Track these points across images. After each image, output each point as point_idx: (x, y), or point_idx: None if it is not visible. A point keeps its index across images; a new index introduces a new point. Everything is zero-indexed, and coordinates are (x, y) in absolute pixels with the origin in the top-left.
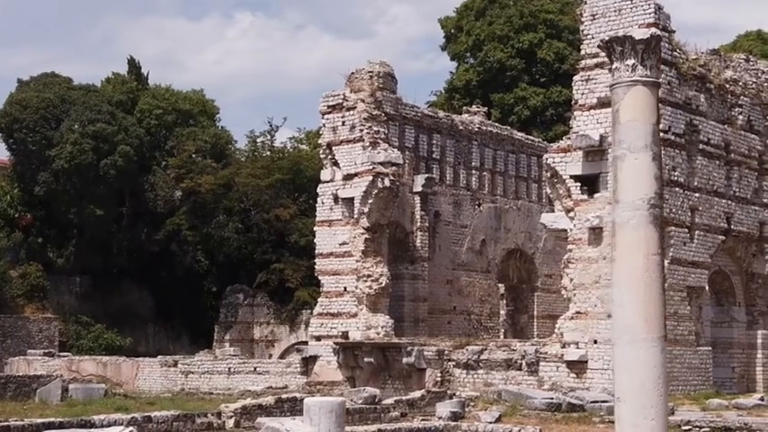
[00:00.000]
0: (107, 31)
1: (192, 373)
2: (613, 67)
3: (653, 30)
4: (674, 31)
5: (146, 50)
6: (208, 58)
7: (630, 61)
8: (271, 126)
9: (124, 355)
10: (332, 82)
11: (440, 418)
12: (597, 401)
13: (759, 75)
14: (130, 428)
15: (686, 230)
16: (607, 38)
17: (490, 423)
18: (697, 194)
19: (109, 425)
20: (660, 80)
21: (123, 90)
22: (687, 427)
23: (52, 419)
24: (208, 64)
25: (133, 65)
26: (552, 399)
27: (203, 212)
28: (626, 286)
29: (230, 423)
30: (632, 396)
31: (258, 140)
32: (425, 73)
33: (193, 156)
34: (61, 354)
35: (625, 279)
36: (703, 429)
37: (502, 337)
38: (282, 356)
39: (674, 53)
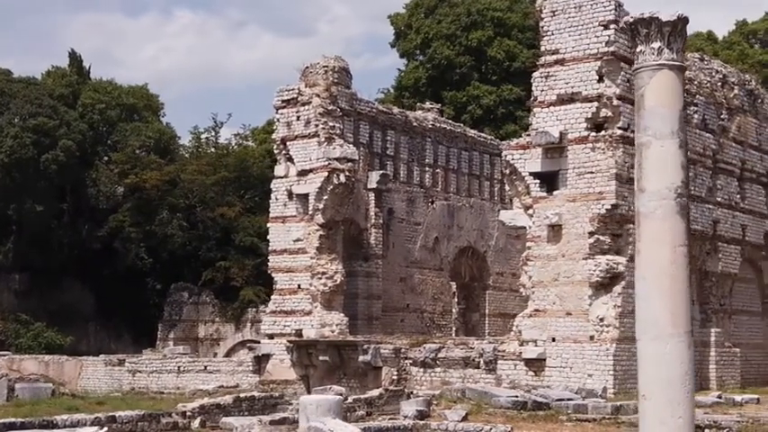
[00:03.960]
0: (45, 25)
1: (140, 371)
2: (638, 50)
3: (679, 11)
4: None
5: (84, 45)
6: (147, 54)
7: (656, 44)
8: (215, 122)
9: (65, 354)
10: (274, 79)
11: (405, 416)
12: (563, 399)
13: (713, 74)
14: (105, 429)
15: None
16: (632, 19)
17: (459, 422)
18: None
19: (72, 425)
20: (686, 64)
21: (64, 84)
22: None
23: (12, 420)
24: (147, 60)
25: (74, 58)
26: (517, 397)
27: (147, 209)
28: (651, 279)
29: (196, 423)
30: (658, 393)
31: (202, 137)
32: (366, 72)
33: (138, 151)
34: (1, 353)
35: (650, 272)
36: None
37: (454, 335)
38: (228, 355)
39: (633, 50)
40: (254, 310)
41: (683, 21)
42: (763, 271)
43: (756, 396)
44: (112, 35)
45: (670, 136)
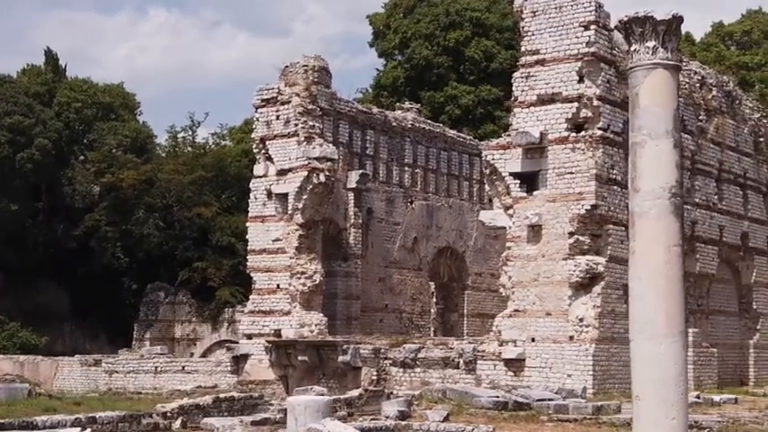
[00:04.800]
0: (18, 23)
1: (117, 372)
2: (632, 49)
3: (675, 10)
4: (612, 29)
5: (58, 44)
6: (122, 52)
7: (651, 43)
8: (192, 122)
9: (40, 355)
10: (250, 79)
11: (387, 417)
12: (544, 400)
13: (692, 75)
14: (88, 430)
15: (623, 229)
16: (626, 18)
17: (441, 422)
18: None
19: (52, 426)
20: (680, 64)
21: (40, 82)
22: None
23: None
24: (122, 59)
25: (50, 56)
26: (498, 397)
27: (124, 208)
28: (646, 279)
29: (177, 424)
30: (653, 394)
31: (179, 136)
32: (343, 72)
33: (114, 150)
34: None
35: (645, 272)
36: None
37: (432, 335)
38: (204, 355)
39: (613, 51)
40: (230, 310)
41: (678, 20)
42: (740, 271)
43: (734, 396)
44: (86, 33)
45: (665, 135)
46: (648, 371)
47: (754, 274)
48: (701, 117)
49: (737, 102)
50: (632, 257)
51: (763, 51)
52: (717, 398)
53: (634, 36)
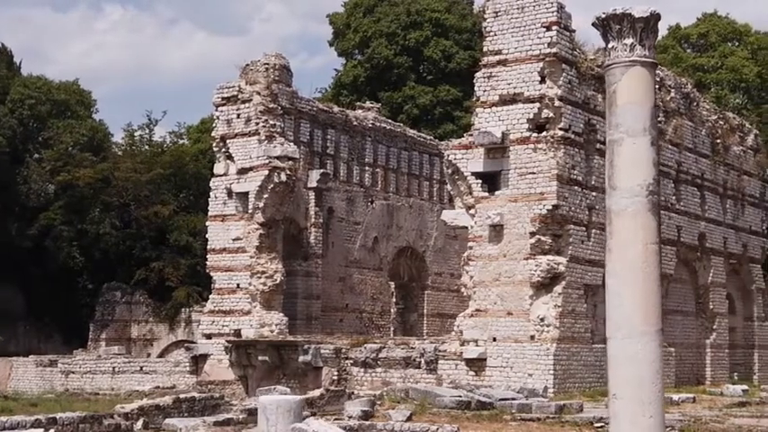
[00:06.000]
0: None
1: (73, 372)
2: (609, 46)
3: (652, 8)
4: (574, 31)
5: (12, 40)
6: (77, 50)
7: (629, 40)
8: (149, 120)
9: None
10: (208, 78)
11: (350, 417)
12: (507, 399)
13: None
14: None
15: (584, 229)
16: (604, 15)
17: (404, 422)
18: (594, 193)
19: (12, 427)
20: (657, 61)
21: None
22: (599, 424)
23: None
24: (77, 56)
25: (4, 53)
26: (461, 397)
27: (79, 207)
28: (623, 277)
29: (138, 425)
30: (630, 392)
31: (136, 134)
32: (301, 71)
33: (70, 148)
34: None
35: (622, 270)
36: None
37: (392, 335)
38: (161, 355)
39: (574, 52)
40: (188, 310)
41: (656, 17)
42: (697, 272)
43: (692, 395)
44: (41, 31)
45: (642, 133)
46: (625, 369)
47: (711, 274)
48: (659, 118)
49: (695, 104)
50: (609, 255)
51: (719, 54)
52: (675, 397)
53: (611, 33)
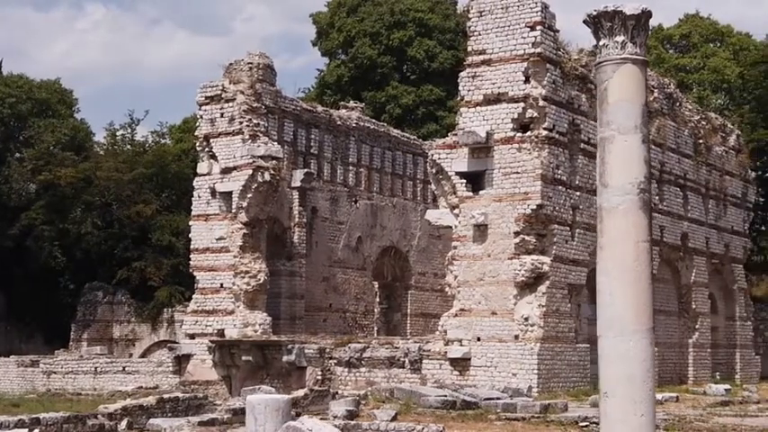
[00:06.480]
0: None
1: (55, 373)
2: (600, 43)
3: (644, 5)
4: (558, 31)
5: None
6: (58, 49)
7: (620, 38)
8: (131, 119)
9: None
10: (190, 78)
11: (335, 417)
12: (491, 399)
13: None
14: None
15: (568, 228)
16: (595, 12)
17: (390, 422)
18: (578, 193)
19: None
20: (648, 59)
21: None
22: (584, 423)
23: None
24: (59, 55)
25: None
26: (446, 396)
27: (61, 207)
28: (615, 275)
29: (122, 425)
30: (621, 391)
31: (118, 134)
32: (283, 72)
33: (51, 148)
34: None
35: (613, 268)
36: None
37: (376, 334)
38: (143, 355)
39: (558, 52)
40: (170, 310)
41: (647, 15)
42: (679, 271)
43: (675, 394)
44: (21, 30)
45: (634, 130)
46: (617, 368)
47: (694, 274)
48: None
49: (678, 104)
50: (600, 253)
51: (701, 54)
52: (659, 396)
53: (603, 31)
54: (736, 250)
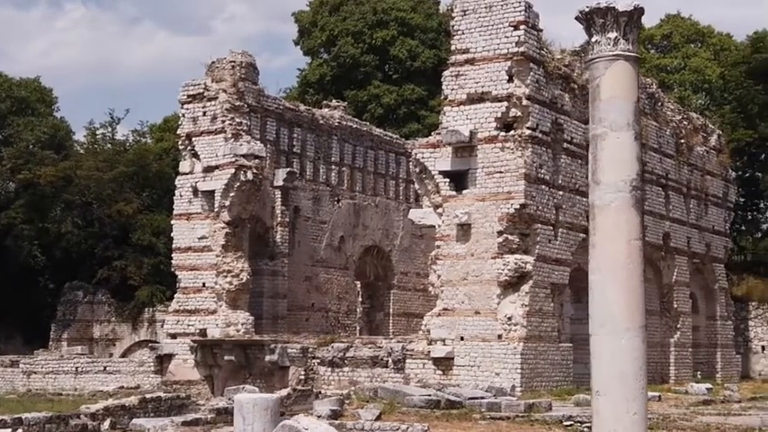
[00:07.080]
0: None
1: (35, 373)
2: (593, 40)
3: (636, 2)
4: (541, 30)
5: None
6: (37, 47)
7: (612, 34)
8: (112, 118)
9: None
10: (170, 77)
11: (319, 416)
12: (476, 398)
13: None
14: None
15: (551, 228)
16: (587, 9)
17: (374, 421)
18: (561, 192)
19: None
20: (640, 56)
21: None
22: (569, 423)
23: None
24: (38, 54)
25: None
26: (431, 396)
27: (41, 206)
28: (607, 273)
29: (105, 425)
30: (613, 389)
31: (98, 132)
32: (264, 71)
33: (31, 146)
34: None
35: (605, 266)
36: (585, 424)
37: (358, 334)
38: (124, 355)
39: (542, 52)
40: (151, 309)
41: (639, 11)
42: (661, 271)
43: (657, 394)
44: (1, 27)
45: (626, 127)
46: (609, 366)
47: (675, 273)
48: None
49: (660, 104)
50: (592, 251)
51: (682, 55)
52: None
53: (595, 27)
54: (717, 250)
